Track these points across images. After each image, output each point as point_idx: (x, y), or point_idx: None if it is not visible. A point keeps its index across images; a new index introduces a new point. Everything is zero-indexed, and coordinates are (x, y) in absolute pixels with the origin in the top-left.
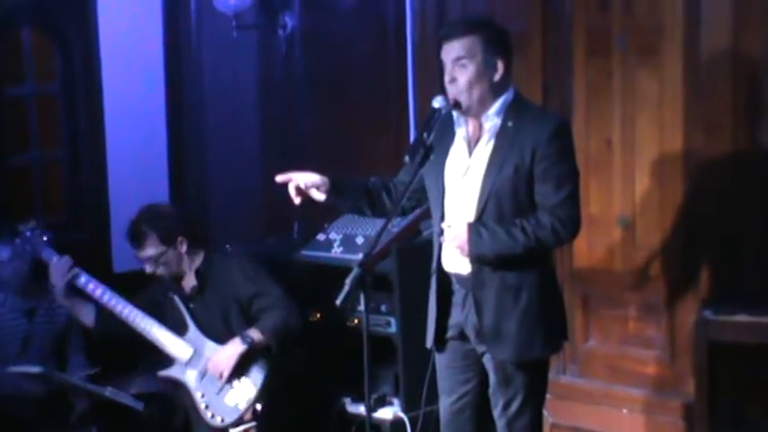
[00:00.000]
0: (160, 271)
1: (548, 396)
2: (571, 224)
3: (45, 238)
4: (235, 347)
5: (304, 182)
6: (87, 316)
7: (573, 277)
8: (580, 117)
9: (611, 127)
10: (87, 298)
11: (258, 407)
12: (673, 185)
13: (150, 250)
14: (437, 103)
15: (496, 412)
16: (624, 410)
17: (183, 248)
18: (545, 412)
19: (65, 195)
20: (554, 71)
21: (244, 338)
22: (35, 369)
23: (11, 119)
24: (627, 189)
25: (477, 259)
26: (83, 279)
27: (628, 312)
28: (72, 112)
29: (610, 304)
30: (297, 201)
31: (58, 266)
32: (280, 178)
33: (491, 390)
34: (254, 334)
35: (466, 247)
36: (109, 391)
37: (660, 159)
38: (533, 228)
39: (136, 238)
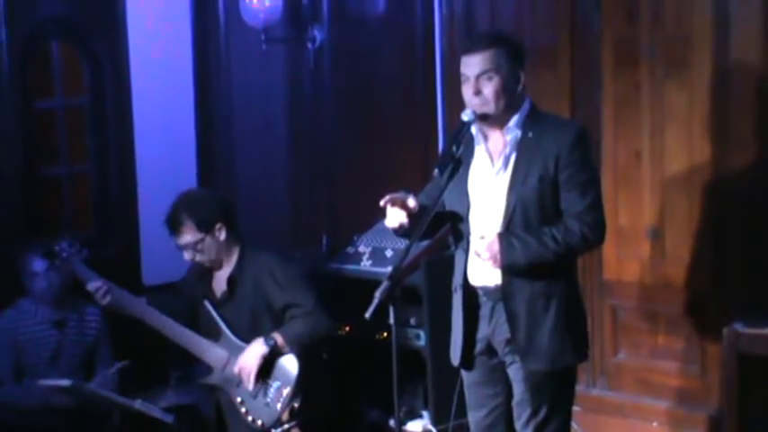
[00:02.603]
0: (198, 258)
1: (577, 409)
2: (598, 229)
3: (81, 257)
4: (257, 349)
5: (411, 201)
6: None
7: (602, 289)
8: (609, 129)
9: (640, 139)
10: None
11: (296, 405)
12: (702, 197)
13: (188, 237)
14: (466, 116)
15: (520, 423)
16: (654, 423)
17: (222, 236)
18: (574, 425)
19: (94, 209)
20: (583, 83)
21: (267, 340)
22: (64, 382)
23: (40, 132)
24: (656, 201)
25: (509, 269)
26: (112, 296)
27: (657, 325)
28: (101, 125)
29: (639, 317)
30: (399, 222)
31: (92, 290)
32: (384, 201)
33: (515, 400)
34: (278, 338)
35: (498, 258)
36: (138, 404)
37: (689, 171)
38: (563, 234)
39: (173, 225)
